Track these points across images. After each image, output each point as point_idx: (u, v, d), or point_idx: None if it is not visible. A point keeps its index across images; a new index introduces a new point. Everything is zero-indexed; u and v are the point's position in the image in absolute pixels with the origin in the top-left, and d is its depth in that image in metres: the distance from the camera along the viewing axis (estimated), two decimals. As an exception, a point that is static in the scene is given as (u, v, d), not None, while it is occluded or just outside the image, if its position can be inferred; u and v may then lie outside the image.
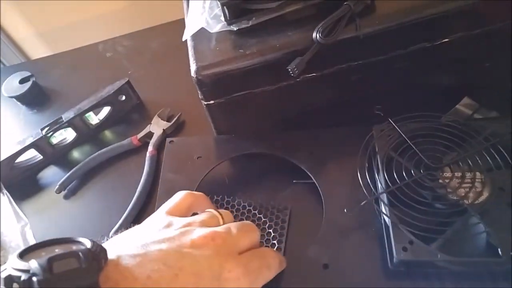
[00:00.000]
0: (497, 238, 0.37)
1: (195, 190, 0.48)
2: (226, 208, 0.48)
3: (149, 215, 0.51)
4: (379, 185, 0.42)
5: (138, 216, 0.52)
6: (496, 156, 0.41)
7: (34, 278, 0.24)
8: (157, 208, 0.41)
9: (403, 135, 0.44)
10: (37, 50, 1.06)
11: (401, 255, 0.37)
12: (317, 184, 0.46)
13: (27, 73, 0.71)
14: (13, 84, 0.70)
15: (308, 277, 0.41)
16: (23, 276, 0.24)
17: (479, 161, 0.41)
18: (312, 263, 0.41)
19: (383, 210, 0.40)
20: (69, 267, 0.25)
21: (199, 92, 0.46)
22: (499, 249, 0.36)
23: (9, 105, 0.72)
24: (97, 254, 0.28)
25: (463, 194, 0.40)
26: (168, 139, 0.54)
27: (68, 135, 0.62)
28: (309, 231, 0.44)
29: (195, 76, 0.44)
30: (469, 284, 0.38)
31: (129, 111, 0.65)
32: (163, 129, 0.59)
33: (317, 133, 0.50)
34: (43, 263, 0.24)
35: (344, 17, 0.42)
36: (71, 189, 0.58)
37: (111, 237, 0.49)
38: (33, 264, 0.25)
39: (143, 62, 0.71)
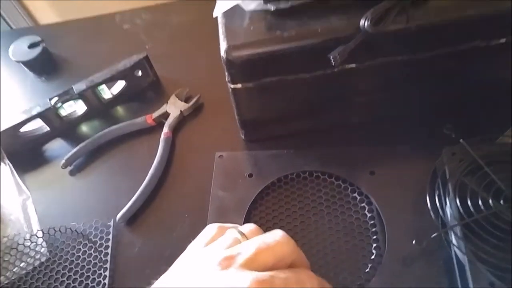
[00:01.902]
0: None
1: (246, 211, 0.45)
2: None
3: (160, 200, 0.49)
4: (449, 215, 0.39)
5: (147, 201, 0.49)
6: None
7: None
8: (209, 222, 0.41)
9: (479, 160, 0.40)
10: (47, 15, 1.02)
11: None
12: (378, 209, 0.43)
13: (37, 38, 0.67)
14: (21, 48, 0.66)
15: None
16: None
17: None
18: None
19: (456, 244, 0.37)
20: None
21: (226, 73, 0.42)
22: None
23: (15, 70, 0.68)
24: None
25: None
26: (217, 154, 0.51)
27: (78, 107, 0.58)
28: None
29: (225, 56, 0.40)
30: None
31: (144, 88, 0.61)
32: (181, 110, 0.55)
33: (378, 151, 0.47)
34: None
35: (395, 6, 0.39)
36: (77, 165, 0.54)
37: (118, 220, 0.46)
38: None
39: (162, 37, 0.67)
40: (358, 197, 0.45)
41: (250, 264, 0.30)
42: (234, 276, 0.30)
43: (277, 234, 0.33)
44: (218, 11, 0.44)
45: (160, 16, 0.71)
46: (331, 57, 0.38)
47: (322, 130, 0.50)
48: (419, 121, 0.48)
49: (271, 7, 0.41)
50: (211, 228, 0.36)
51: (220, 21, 0.43)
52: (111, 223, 0.47)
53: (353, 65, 0.42)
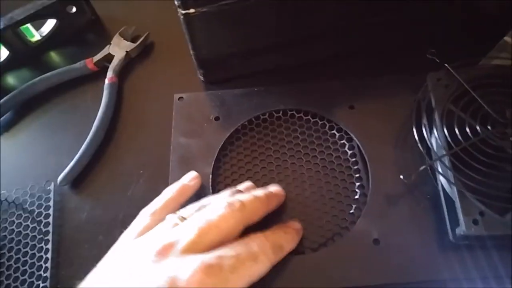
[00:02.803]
0: None
1: (215, 158, 0.40)
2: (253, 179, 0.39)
3: (109, 156, 0.42)
4: (436, 146, 0.36)
5: (94, 158, 0.41)
6: None
7: None
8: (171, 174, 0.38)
9: (465, 84, 0.37)
10: None
11: (471, 229, 0.31)
12: (360, 146, 0.39)
13: None
14: None
15: (358, 255, 0.34)
16: None
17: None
18: (361, 239, 0.35)
19: (446, 176, 0.34)
20: None
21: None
22: None
23: None
24: None
25: None
26: (176, 96, 0.44)
27: (-2, 53, 0.48)
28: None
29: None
30: None
31: (82, 28, 0.52)
32: (126, 51, 0.47)
33: (357, 84, 0.43)
34: None
35: None
36: (4, 122, 0.45)
37: (60, 183, 0.39)
38: None
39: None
40: (338, 134, 0.41)
41: (194, 248, 0.28)
42: (175, 265, 0.27)
43: (219, 207, 0.30)
44: None
45: None
46: None
47: (293, 65, 0.45)
48: (399, 49, 0.43)
49: None
50: (142, 217, 0.33)
51: None
52: (51, 187, 0.39)
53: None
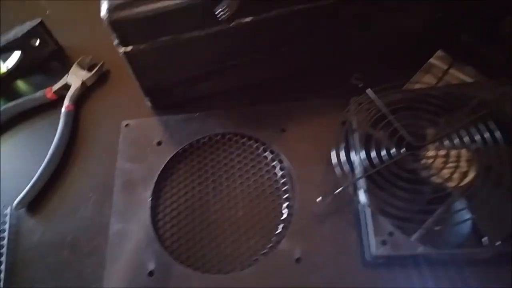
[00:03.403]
0: (481, 226, 0.34)
1: (155, 182, 0.43)
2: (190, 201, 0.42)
3: (63, 180, 0.46)
4: (357, 167, 0.38)
5: (49, 182, 0.45)
6: (483, 130, 0.37)
7: None
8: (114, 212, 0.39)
9: (384, 109, 0.40)
10: None
11: (380, 249, 0.34)
12: (289, 167, 0.42)
13: None
14: None
15: (280, 273, 0.37)
16: None
17: (465, 136, 0.38)
18: (284, 258, 0.37)
19: (361, 198, 0.37)
20: None
21: (113, 36, 0.39)
22: (483, 238, 0.33)
23: None
24: None
25: (447, 176, 0.36)
26: (123, 122, 0.47)
27: (-32, 84, 0.52)
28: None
29: (107, 17, 0.37)
30: (451, 272, 0.35)
31: (46, 58, 0.56)
32: (83, 80, 0.51)
33: (289, 107, 0.46)
34: None
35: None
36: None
37: (15, 207, 0.43)
38: None
39: (64, 1, 0.61)
40: (270, 156, 0.44)
41: None
42: None
43: None
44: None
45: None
46: (220, 10, 0.35)
47: (232, 89, 0.48)
48: (328, 73, 0.46)
49: None
50: None
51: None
52: (8, 211, 0.43)
53: (249, 19, 0.39)
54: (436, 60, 0.46)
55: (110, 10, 0.36)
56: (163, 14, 0.37)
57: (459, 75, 0.45)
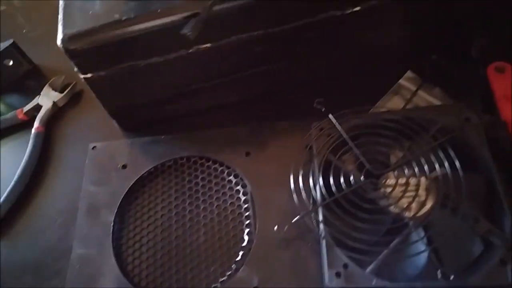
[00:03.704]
0: (436, 259, 0.33)
1: (119, 205, 0.43)
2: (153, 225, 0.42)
3: (29, 203, 0.46)
4: (315, 195, 0.38)
5: (16, 205, 0.45)
6: (443, 157, 0.37)
7: None
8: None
9: (344, 135, 0.39)
10: None
11: (333, 282, 0.33)
12: (252, 192, 0.42)
13: None
14: None
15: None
16: None
17: (424, 164, 0.37)
18: (242, 286, 0.37)
19: (316, 227, 0.36)
20: None
21: (72, 63, 0.39)
22: (438, 272, 0.33)
23: None
24: None
25: (405, 206, 0.35)
26: (90, 145, 0.47)
27: None
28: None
29: (61, 46, 0.37)
30: None
31: (21, 77, 0.57)
32: (53, 101, 0.51)
33: (253, 130, 0.45)
34: None
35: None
36: None
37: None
38: None
39: (41, 19, 0.62)
40: (234, 180, 0.44)
41: None
42: None
43: None
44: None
45: (39, -5, 0.64)
46: (186, 32, 0.35)
47: (198, 111, 0.48)
48: (293, 95, 0.46)
49: None
50: None
51: (60, 3, 0.39)
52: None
53: (208, 45, 0.39)
54: (406, 81, 0.46)
55: (64, 40, 0.37)
56: (119, 43, 0.37)
57: (428, 97, 0.44)
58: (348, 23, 0.40)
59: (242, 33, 0.39)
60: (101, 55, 0.38)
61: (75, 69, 0.40)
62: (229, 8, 0.35)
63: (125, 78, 0.41)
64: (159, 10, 0.36)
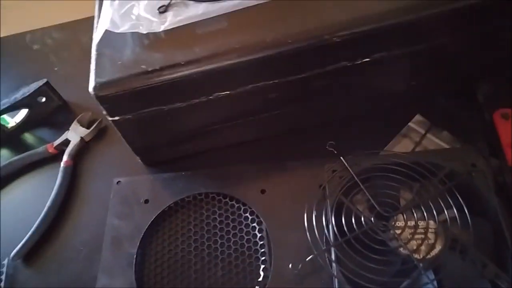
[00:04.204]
0: None
1: (141, 239, 0.45)
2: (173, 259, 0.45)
3: (57, 233, 0.49)
4: (328, 236, 0.39)
5: (45, 235, 0.48)
6: (450, 201, 0.38)
7: None
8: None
9: (356, 177, 0.41)
10: None
11: None
12: (267, 229, 0.44)
13: None
14: None
15: None
16: None
17: (433, 208, 0.38)
18: None
19: (329, 267, 0.38)
20: None
21: (101, 108, 0.42)
22: None
23: None
24: None
25: (415, 248, 0.37)
26: (115, 180, 0.50)
27: (-20, 139, 0.57)
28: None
29: (93, 93, 0.40)
30: None
31: (51, 113, 0.60)
32: (81, 137, 0.55)
33: (269, 168, 0.48)
34: None
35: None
36: (-21, 200, 0.54)
37: (12, 258, 0.46)
38: None
39: (71, 57, 0.66)
40: (250, 217, 0.46)
41: None
42: None
43: None
44: (95, 40, 0.43)
45: (70, 35, 0.69)
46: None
47: (217, 149, 0.50)
48: (306, 137, 0.48)
49: (143, 29, 0.41)
50: None
51: (93, 53, 0.43)
52: (5, 261, 0.46)
53: (227, 92, 0.42)
54: (415, 125, 0.48)
55: (96, 87, 0.40)
56: (146, 91, 0.40)
57: (436, 140, 0.46)
58: (358, 72, 0.42)
59: (257, 82, 0.42)
60: (128, 101, 0.41)
61: (104, 112, 0.43)
62: (246, 62, 0.38)
63: (150, 120, 0.44)
64: (182, 62, 0.39)
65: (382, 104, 0.48)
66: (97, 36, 0.43)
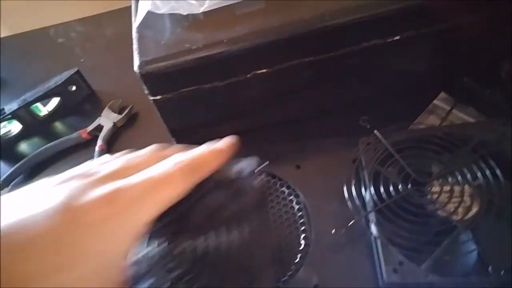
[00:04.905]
0: (486, 257, 0.36)
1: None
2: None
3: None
4: (367, 202, 0.41)
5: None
6: (484, 167, 0.40)
7: None
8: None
9: (390, 148, 0.43)
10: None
11: (391, 277, 0.36)
12: (305, 202, 0.45)
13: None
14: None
15: None
16: None
17: (467, 173, 0.40)
18: (303, 285, 0.40)
19: (372, 230, 0.39)
20: None
21: (144, 87, 0.44)
22: (489, 268, 0.36)
23: None
24: None
25: (452, 210, 0.39)
26: None
27: (13, 127, 0.58)
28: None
29: (138, 71, 0.42)
30: None
31: (81, 102, 0.62)
32: (114, 122, 0.56)
33: (302, 145, 0.49)
34: None
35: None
36: (16, 185, 0.55)
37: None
38: None
39: (96, 49, 0.68)
40: (287, 191, 0.47)
41: (105, 180, 0.24)
42: (80, 187, 0.23)
43: (145, 150, 0.29)
44: (137, 22, 0.45)
45: (93, 28, 0.71)
46: None
47: (251, 129, 0.52)
48: (340, 115, 0.50)
49: (183, 11, 0.43)
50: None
51: (134, 35, 0.44)
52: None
53: (264, 70, 0.44)
54: (439, 102, 0.50)
55: (141, 65, 0.41)
56: (188, 69, 0.42)
57: (462, 115, 0.48)
58: (388, 50, 0.44)
59: (293, 60, 0.43)
60: (170, 80, 0.43)
61: (146, 91, 0.44)
62: (284, 40, 0.40)
63: (189, 100, 0.45)
64: (225, 40, 0.41)
65: (408, 84, 0.50)
66: (138, 18, 0.44)
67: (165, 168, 0.25)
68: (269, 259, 0.32)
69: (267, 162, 0.34)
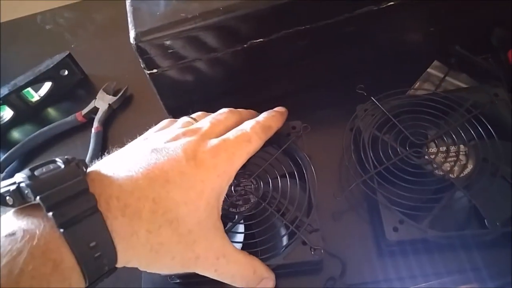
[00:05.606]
0: (482, 210, 0.37)
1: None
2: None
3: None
4: (367, 166, 0.42)
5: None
6: (478, 127, 0.41)
7: (23, 184, 0.25)
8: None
9: (387, 113, 0.44)
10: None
11: (392, 235, 0.37)
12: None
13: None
14: None
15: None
16: (12, 188, 0.25)
17: (462, 133, 0.41)
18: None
19: (372, 192, 0.40)
20: (50, 170, 0.27)
21: (140, 60, 0.43)
22: (485, 221, 0.37)
23: None
24: (74, 160, 0.29)
25: (448, 169, 0.40)
26: None
27: (4, 113, 0.57)
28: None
29: (134, 43, 0.41)
30: (458, 254, 0.38)
31: (73, 87, 0.61)
32: (109, 104, 0.56)
33: (301, 116, 0.48)
34: (25, 172, 0.26)
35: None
36: (10, 171, 0.54)
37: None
38: (17, 177, 0.26)
39: (87, 35, 0.67)
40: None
41: (209, 135, 0.35)
42: (192, 142, 0.33)
43: (223, 111, 0.40)
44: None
45: (82, 14, 0.70)
46: None
47: (248, 104, 0.52)
48: (337, 85, 0.50)
49: None
50: (163, 121, 0.41)
51: (128, 8, 0.44)
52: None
53: (261, 39, 0.44)
54: (433, 70, 0.50)
55: (137, 36, 0.41)
56: (185, 39, 0.42)
57: (455, 82, 0.49)
58: (383, 17, 0.45)
59: (289, 28, 0.44)
60: (167, 51, 0.43)
61: (142, 65, 0.44)
62: (278, 5, 0.40)
63: (186, 73, 0.45)
64: (221, 8, 0.41)
65: (402, 53, 0.50)
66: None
67: (247, 129, 0.37)
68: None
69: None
